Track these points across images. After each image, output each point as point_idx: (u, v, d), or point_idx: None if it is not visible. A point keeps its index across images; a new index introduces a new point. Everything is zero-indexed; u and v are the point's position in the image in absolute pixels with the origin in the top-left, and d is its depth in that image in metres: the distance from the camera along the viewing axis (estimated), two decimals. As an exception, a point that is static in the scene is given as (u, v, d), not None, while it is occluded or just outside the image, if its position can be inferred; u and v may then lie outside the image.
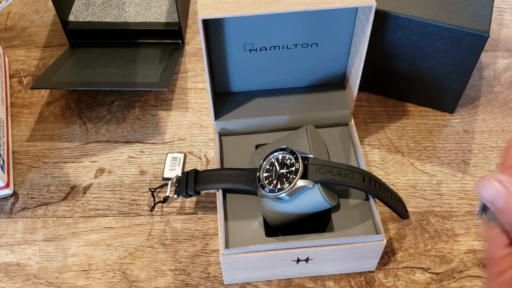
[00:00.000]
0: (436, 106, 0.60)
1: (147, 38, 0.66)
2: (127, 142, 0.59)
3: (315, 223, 0.48)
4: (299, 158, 0.44)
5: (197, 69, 0.66)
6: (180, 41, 0.66)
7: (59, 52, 0.68)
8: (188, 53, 0.68)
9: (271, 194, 0.44)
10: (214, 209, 0.53)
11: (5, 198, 0.55)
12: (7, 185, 0.54)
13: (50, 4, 0.73)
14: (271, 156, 0.46)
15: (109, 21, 0.66)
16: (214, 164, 0.56)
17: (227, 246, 0.44)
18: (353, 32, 0.50)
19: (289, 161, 0.44)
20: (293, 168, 0.43)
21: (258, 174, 0.45)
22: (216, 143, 0.52)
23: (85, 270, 0.50)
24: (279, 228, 0.47)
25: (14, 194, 0.55)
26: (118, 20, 0.66)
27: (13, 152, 0.58)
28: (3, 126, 0.58)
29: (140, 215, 0.53)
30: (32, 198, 0.55)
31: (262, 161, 0.46)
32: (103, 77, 0.60)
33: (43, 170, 0.57)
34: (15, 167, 0.57)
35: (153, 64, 0.62)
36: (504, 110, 0.61)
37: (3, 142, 0.56)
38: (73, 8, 0.67)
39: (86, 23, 0.66)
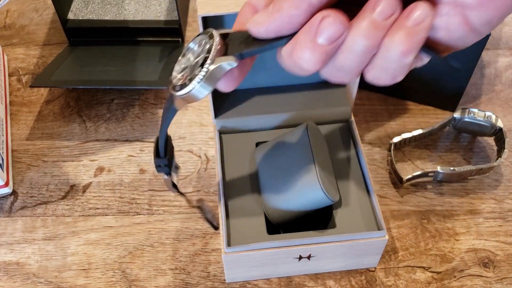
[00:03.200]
0: (437, 104, 0.60)
1: (147, 36, 0.66)
2: (126, 140, 0.59)
3: (316, 220, 0.48)
4: (214, 36, 0.31)
5: (197, 68, 0.66)
6: (180, 39, 0.66)
7: (58, 50, 0.68)
8: (188, 51, 0.67)
9: (180, 92, 0.31)
10: (214, 207, 0.53)
11: (5, 197, 0.55)
12: (7, 184, 0.54)
13: (49, 2, 0.73)
14: (184, 50, 0.33)
15: (109, 19, 0.66)
16: (215, 163, 0.56)
17: (229, 244, 0.44)
18: (354, 29, 0.50)
19: (205, 45, 0.31)
20: (207, 51, 0.31)
21: (170, 78, 0.33)
22: (216, 142, 0.52)
23: (84, 269, 0.50)
24: (281, 225, 0.47)
25: (14, 193, 0.55)
26: (118, 18, 0.66)
27: (12, 150, 0.58)
28: (2, 124, 0.58)
29: (140, 214, 0.53)
30: (31, 197, 0.55)
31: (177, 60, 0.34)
32: (102, 75, 0.60)
33: (43, 168, 0.57)
34: (15, 166, 0.57)
35: (153, 62, 0.62)
36: (505, 108, 0.61)
37: (2, 141, 0.56)
38: (72, 6, 0.67)
39: (85, 21, 0.66)
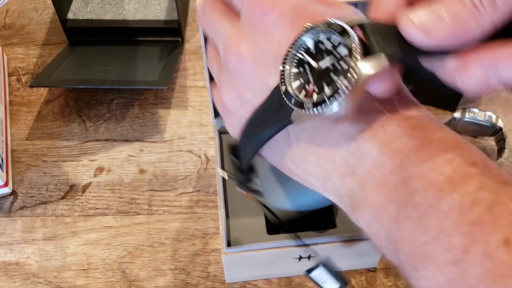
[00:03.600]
0: (437, 104, 0.60)
1: (147, 36, 0.66)
2: (126, 140, 0.59)
3: (316, 220, 0.48)
4: (347, 30, 0.23)
5: (196, 67, 0.66)
6: (180, 39, 0.66)
7: (58, 50, 0.68)
8: (188, 51, 0.67)
9: (318, 109, 0.23)
10: (214, 207, 0.53)
11: (4, 197, 0.55)
12: (6, 184, 0.53)
13: (49, 1, 0.73)
14: (292, 50, 0.25)
15: (108, 18, 0.66)
16: (215, 163, 0.56)
17: (228, 244, 0.44)
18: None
19: (329, 42, 0.24)
20: (342, 51, 0.23)
21: (283, 87, 0.25)
22: (216, 142, 0.52)
23: (84, 269, 0.49)
24: (281, 225, 0.47)
25: (13, 192, 0.55)
26: (118, 18, 0.66)
27: (12, 150, 0.58)
28: (2, 124, 0.58)
29: (140, 214, 0.53)
30: (31, 197, 0.55)
31: (282, 64, 0.25)
32: (102, 75, 0.60)
33: (42, 168, 0.57)
34: (14, 166, 0.57)
35: (153, 62, 0.62)
36: (506, 108, 0.60)
37: (2, 141, 0.56)
38: (72, 6, 0.67)
39: (85, 20, 0.65)
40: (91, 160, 0.57)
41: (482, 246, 0.20)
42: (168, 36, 0.66)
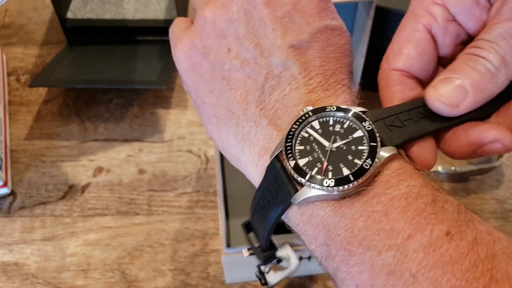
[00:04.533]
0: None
1: (146, 35, 0.66)
2: (125, 140, 0.59)
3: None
4: (357, 114, 0.26)
5: (196, 67, 0.65)
6: (179, 39, 0.66)
7: (57, 50, 0.67)
8: (188, 50, 0.67)
9: (338, 188, 0.23)
10: (213, 208, 0.53)
11: (3, 197, 0.54)
12: (5, 184, 0.53)
13: (48, 1, 0.73)
14: (298, 128, 0.25)
15: (108, 18, 0.65)
16: (214, 163, 0.56)
17: (228, 245, 0.44)
18: (353, 28, 0.49)
19: (337, 124, 0.26)
20: (358, 134, 0.25)
21: (288, 162, 0.24)
22: (216, 142, 0.51)
23: (83, 270, 0.49)
24: (281, 225, 0.47)
25: (12, 193, 0.55)
26: (117, 17, 0.65)
27: (11, 150, 0.58)
28: (1, 124, 0.57)
29: (139, 215, 0.53)
30: (30, 197, 0.54)
31: (284, 140, 0.25)
32: (101, 75, 0.60)
33: (41, 169, 0.56)
34: (13, 166, 0.57)
35: (152, 61, 0.61)
36: (506, 107, 0.60)
37: (1, 141, 0.56)
38: (71, 5, 0.67)
39: (84, 20, 0.65)
40: (90, 160, 0.57)
41: (426, 234, 0.21)
42: (167, 36, 0.65)
